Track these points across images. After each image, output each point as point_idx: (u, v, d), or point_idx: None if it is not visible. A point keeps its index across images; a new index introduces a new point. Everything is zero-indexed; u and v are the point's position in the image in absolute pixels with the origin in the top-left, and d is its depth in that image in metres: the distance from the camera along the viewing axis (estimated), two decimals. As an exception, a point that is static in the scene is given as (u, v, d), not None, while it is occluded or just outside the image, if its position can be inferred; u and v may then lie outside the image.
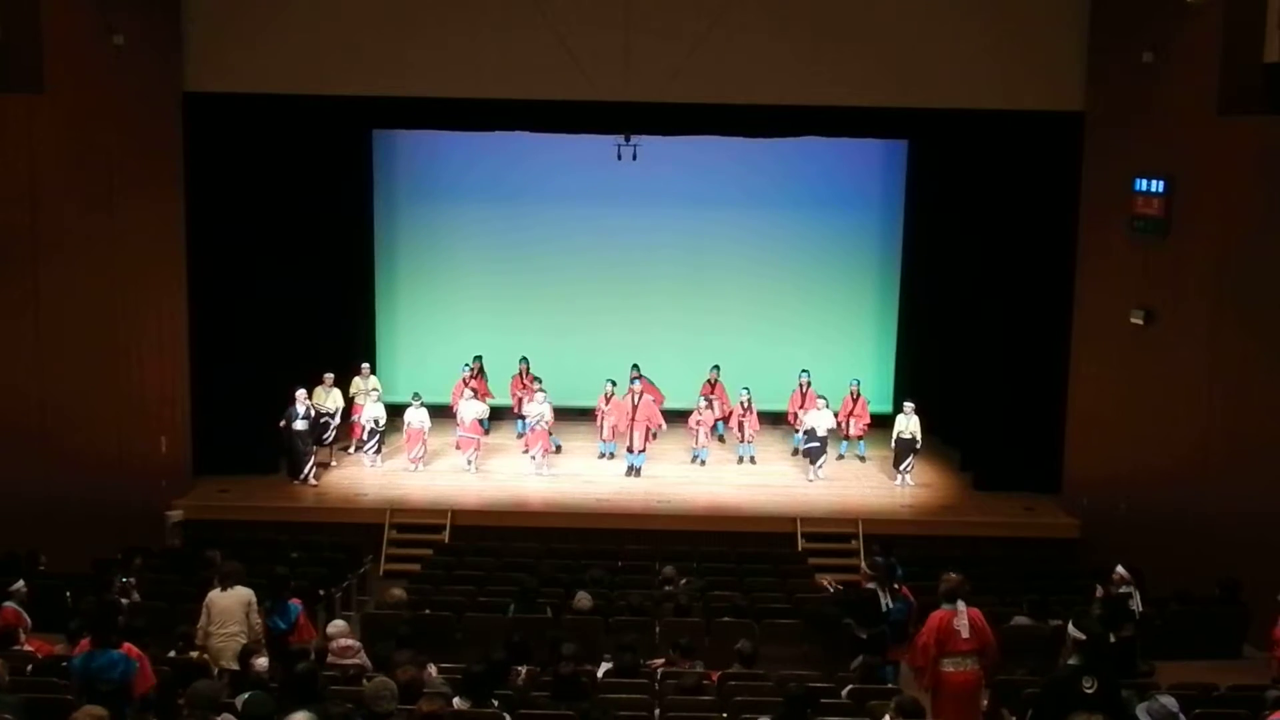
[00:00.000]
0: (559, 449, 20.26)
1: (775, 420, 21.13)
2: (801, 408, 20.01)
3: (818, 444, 19.43)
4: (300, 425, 18.67)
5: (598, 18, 17.45)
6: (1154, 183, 16.15)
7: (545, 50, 17.34)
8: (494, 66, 17.65)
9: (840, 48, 17.74)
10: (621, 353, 21.09)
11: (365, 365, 20.56)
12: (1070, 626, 9.38)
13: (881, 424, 21.08)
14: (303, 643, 11.53)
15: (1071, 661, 9.20)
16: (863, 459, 20.66)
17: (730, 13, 17.30)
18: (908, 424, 19.32)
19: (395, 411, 20.31)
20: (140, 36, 16.66)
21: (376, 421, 19.64)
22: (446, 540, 17.49)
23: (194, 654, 11.05)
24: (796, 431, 20.14)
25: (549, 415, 19.37)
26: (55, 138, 15.61)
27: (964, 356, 20.16)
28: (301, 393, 18.74)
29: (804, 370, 20.37)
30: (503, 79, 17.70)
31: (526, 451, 19.72)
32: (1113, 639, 12.03)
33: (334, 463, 19.92)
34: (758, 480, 19.61)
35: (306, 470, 18.90)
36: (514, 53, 17.60)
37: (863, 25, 17.73)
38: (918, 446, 19.44)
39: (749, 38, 17.58)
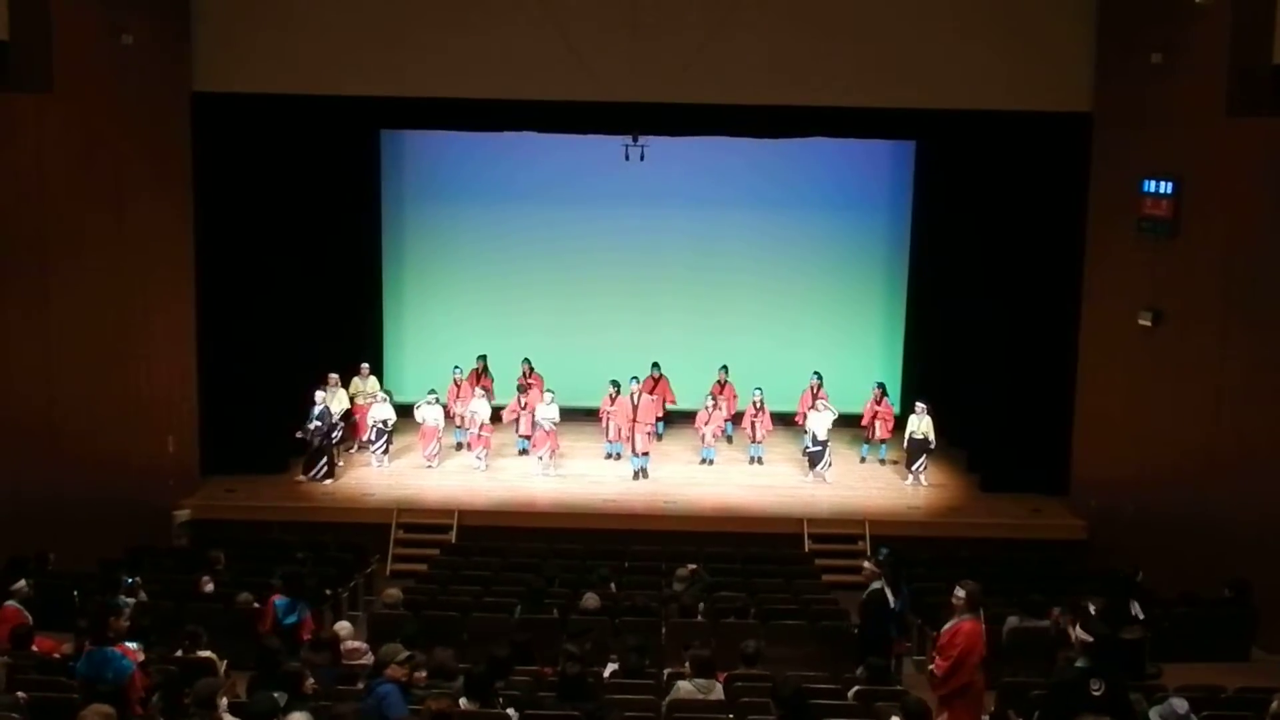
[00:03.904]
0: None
1: (785, 421, 21.10)
2: (812, 408, 19.96)
3: (819, 448, 19.40)
4: (314, 424, 18.71)
5: (605, 18, 17.46)
6: (1162, 184, 16.13)
7: (552, 51, 17.34)
8: (501, 67, 17.65)
9: (848, 48, 17.72)
10: (629, 353, 21.07)
11: (365, 365, 20.57)
12: (1077, 628, 9.34)
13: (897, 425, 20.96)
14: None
15: (1079, 664, 9.16)
16: (883, 461, 20.59)
17: (737, 13, 17.30)
18: (919, 424, 19.29)
19: (401, 411, 20.31)
20: (149, 36, 16.70)
21: (385, 422, 19.65)
22: (453, 540, 17.50)
23: (201, 653, 11.08)
24: (805, 433, 20.07)
25: (556, 416, 19.38)
26: (64, 137, 15.65)
27: (972, 357, 20.12)
28: (320, 394, 18.81)
29: (815, 372, 20.33)
30: (510, 79, 17.71)
31: (534, 452, 19.71)
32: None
33: (340, 463, 19.94)
34: (764, 481, 19.59)
35: (317, 469, 18.94)
36: (521, 53, 17.61)
37: (870, 26, 17.72)
38: (931, 446, 19.40)
39: (756, 38, 17.57)
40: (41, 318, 15.62)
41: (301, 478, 18.97)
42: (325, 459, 19.03)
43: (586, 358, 21.46)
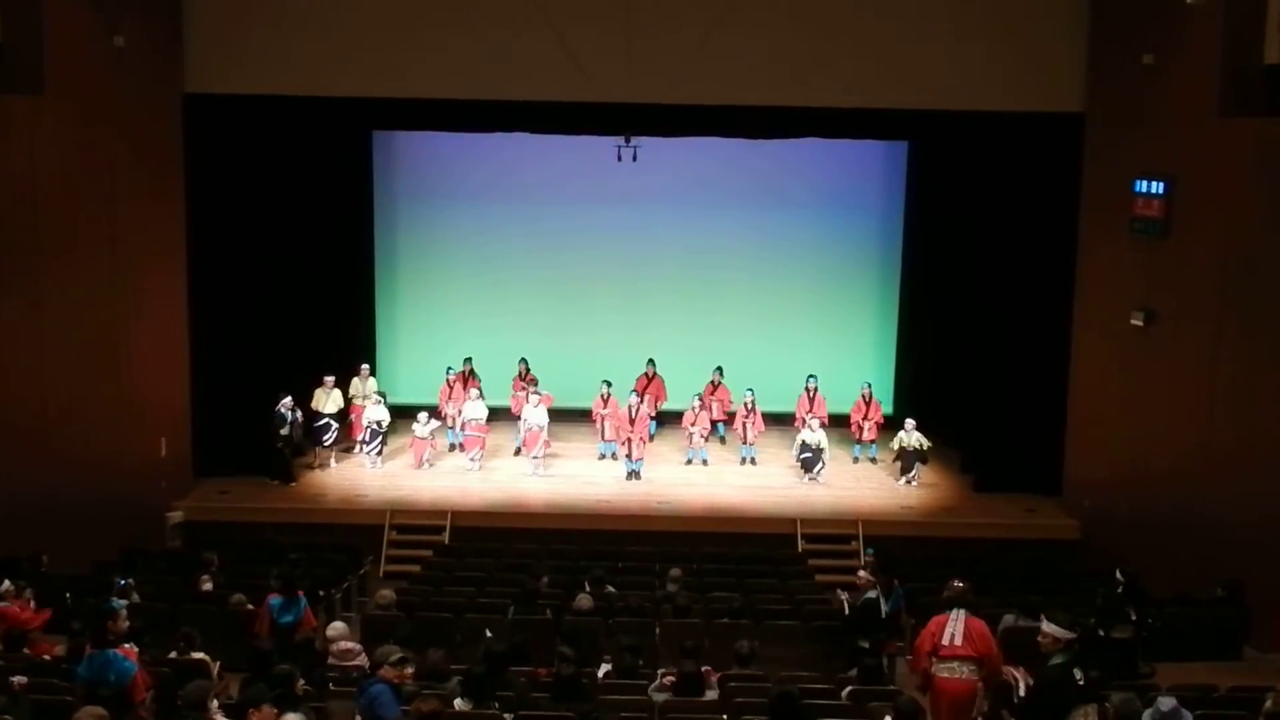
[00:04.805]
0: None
1: (778, 421, 21.12)
2: (809, 412, 19.93)
3: (811, 454, 19.40)
4: (284, 430, 18.71)
5: (598, 19, 17.46)
6: (1154, 184, 16.16)
7: (545, 51, 17.33)
8: (494, 67, 17.63)
9: (841, 50, 17.73)
10: (622, 354, 21.07)
11: (365, 367, 20.54)
12: (1048, 624, 9.29)
13: (886, 425, 20.95)
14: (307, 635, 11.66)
15: (1056, 660, 9.15)
16: (874, 460, 20.61)
17: (730, 14, 17.29)
18: (910, 439, 19.30)
19: (396, 413, 20.28)
20: (141, 38, 16.68)
21: (379, 423, 19.64)
22: (447, 541, 17.49)
23: (195, 654, 11.07)
24: (798, 441, 20.03)
25: (544, 419, 19.40)
26: (56, 139, 15.63)
27: (965, 358, 20.13)
28: (287, 400, 18.77)
29: (811, 375, 20.31)
30: (503, 80, 17.69)
31: (526, 452, 19.70)
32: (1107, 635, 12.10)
33: (334, 464, 19.93)
34: (758, 481, 19.59)
35: (291, 470, 19.00)
36: (514, 54, 17.59)
37: (863, 27, 17.73)
38: (925, 456, 19.38)
39: (749, 39, 17.57)
40: (35, 319, 15.60)
41: (292, 483, 19.00)
42: (290, 461, 19.10)
43: (580, 358, 21.44)
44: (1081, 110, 17.78)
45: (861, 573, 13.74)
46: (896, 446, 19.46)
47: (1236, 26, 14.80)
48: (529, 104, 18.04)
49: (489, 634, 11.63)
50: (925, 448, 19.31)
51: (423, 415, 19.72)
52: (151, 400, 17.61)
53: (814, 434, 19.37)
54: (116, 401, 16.88)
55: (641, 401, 19.69)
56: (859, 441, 20.58)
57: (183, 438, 18.43)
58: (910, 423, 19.42)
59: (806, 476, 19.45)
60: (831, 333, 22.25)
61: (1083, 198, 18.00)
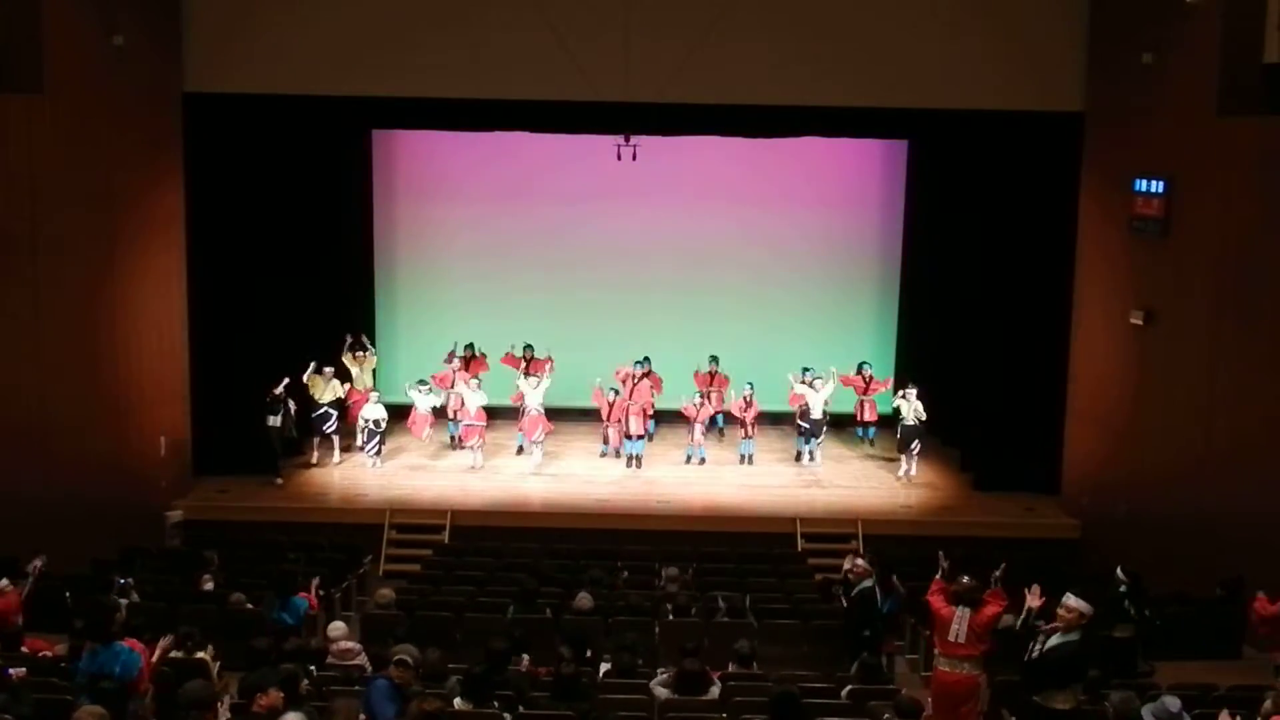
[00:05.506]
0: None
1: (776, 421, 21.12)
2: (806, 403, 19.95)
3: (809, 425, 19.43)
4: (272, 421, 18.70)
5: (598, 18, 17.48)
6: (1154, 183, 16.17)
7: (545, 51, 17.35)
8: (494, 67, 17.66)
9: (840, 48, 17.76)
10: (621, 353, 21.02)
11: (362, 353, 20.36)
12: (1074, 599, 9.24)
13: (884, 424, 20.97)
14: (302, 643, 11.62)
15: (1073, 636, 9.10)
16: (872, 443, 20.72)
17: (729, 13, 17.31)
18: (909, 408, 19.37)
19: (393, 411, 20.27)
20: (140, 37, 16.68)
21: (377, 423, 19.63)
22: (446, 540, 17.49)
23: (197, 654, 11.07)
24: (800, 431, 20.07)
25: (539, 400, 19.51)
26: (55, 138, 15.60)
27: (964, 357, 20.15)
28: (280, 389, 18.76)
29: (806, 369, 20.33)
30: (503, 79, 17.71)
31: (526, 439, 19.71)
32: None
33: (335, 461, 19.93)
34: (757, 480, 19.60)
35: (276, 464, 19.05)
36: (514, 53, 17.61)
37: (862, 26, 17.75)
38: (923, 428, 19.46)
39: (748, 38, 17.59)
40: (33, 319, 15.56)
41: (278, 478, 18.99)
42: (275, 453, 19.13)
43: (579, 357, 21.41)
44: (1081, 109, 17.80)
45: (859, 560, 13.58)
46: (900, 421, 19.44)
47: (1236, 26, 14.80)
48: (528, 103, 18.06)
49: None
50: (921, 420, 19.34)
51: (421, 386, 19.81)
52: (151, 400, 17.62)
53: (816, 393, 19.29)
54: (115, 401, 16.88)
55: (642, 376, 19.91)
56: (860, 423, 20.65)
57: (182, 437, 18.46)
58: (912, 392, 19.47)
59: (805, 456, 19.43)
60: (831, 331, 22.27)
61: (1082, 197, 18.02)
